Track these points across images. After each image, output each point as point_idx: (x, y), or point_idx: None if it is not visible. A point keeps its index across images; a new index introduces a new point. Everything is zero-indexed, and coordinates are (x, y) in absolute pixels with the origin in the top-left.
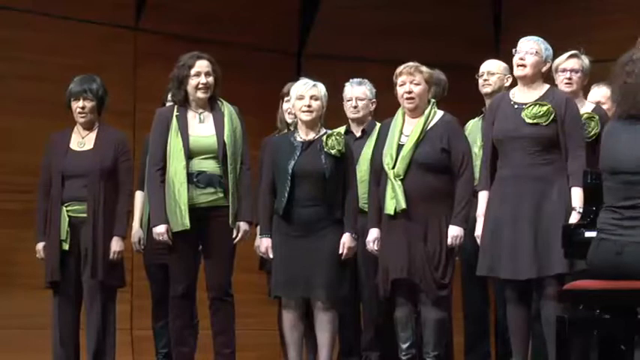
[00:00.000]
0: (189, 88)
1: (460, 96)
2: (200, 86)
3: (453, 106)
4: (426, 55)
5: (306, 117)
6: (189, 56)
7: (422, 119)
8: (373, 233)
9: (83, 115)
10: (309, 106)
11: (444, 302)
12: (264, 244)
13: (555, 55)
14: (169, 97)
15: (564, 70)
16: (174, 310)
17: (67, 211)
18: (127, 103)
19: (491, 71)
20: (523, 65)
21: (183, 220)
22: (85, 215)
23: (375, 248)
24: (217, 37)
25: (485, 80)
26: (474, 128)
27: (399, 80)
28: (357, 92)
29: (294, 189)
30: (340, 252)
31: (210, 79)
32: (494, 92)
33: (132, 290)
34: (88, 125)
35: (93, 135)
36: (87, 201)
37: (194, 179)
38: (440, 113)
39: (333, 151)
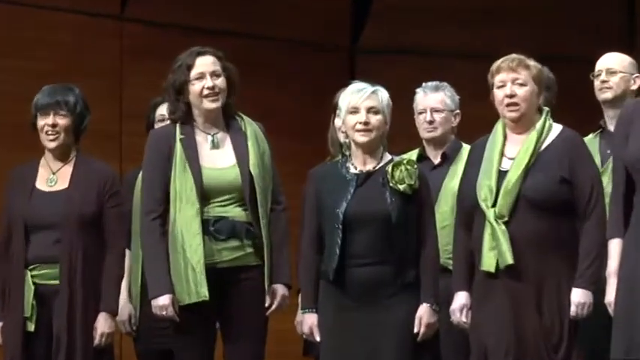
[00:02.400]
0: (192, 97)
1: (574, 102)
2: (206, 92)
3: (563, 117)
4: (527, 46)
5: (362, 138)
6: (187, 54)
7: (532, 136)
8: (461, 299)
9: (54, 135)
10: (366, 122)
11: None
12: (307, 321)
13: None
14: (160, 112)
15: None
16: None
17: (33, 276)
18: (109, 122)
19: (611, 69)
20: None
21: (198, 288)
22: (57, 282)
23: (465, 320)
24: (239, 28)
25: (603, 82)
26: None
27: (497, 80)
28: (433, 101)
29: (348, 241)
30: (415, 330)
31: (220, 81)
32: (616, 98)
33: None
34: (61, 153)
35: (68, 168)
36: (60, 262)
37: (211, 229)
38: (557, 128)
39: (402, 187)
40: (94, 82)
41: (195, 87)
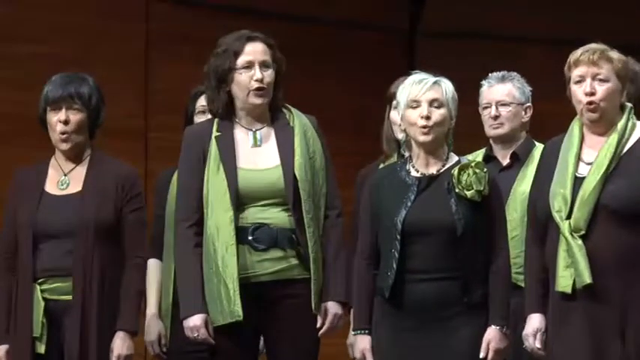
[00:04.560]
0: (236, 88)
1: None
2: (254, 85)
3: None
4: (611, 32)
5: (423, 137)
6: (235, 38)
7: (613, 138)
8: (535, 322)
9: (66, 134)
10: (427, 117)
11: None
12: (360, 344)
13: None
14: (201, 103)
15: None
16: None
17: (43, 291)
18: (133, 116)
19: None
20: None
21: (231, 307)
22: (69, 298)
23: (538, 346)
24: (283, 9)
25: None
26: None
27: (575, 74)
28: (499, 94)
29: (407, 254)
30: (482, 355)
31: (268, 73)
32: None
33: None
34: (74, 153)
35: (82, 169)
36: (73, 276)
37: (249, 238)
38: None
39: (469, 193)
40: (116, 71)
41: (241, 77)
